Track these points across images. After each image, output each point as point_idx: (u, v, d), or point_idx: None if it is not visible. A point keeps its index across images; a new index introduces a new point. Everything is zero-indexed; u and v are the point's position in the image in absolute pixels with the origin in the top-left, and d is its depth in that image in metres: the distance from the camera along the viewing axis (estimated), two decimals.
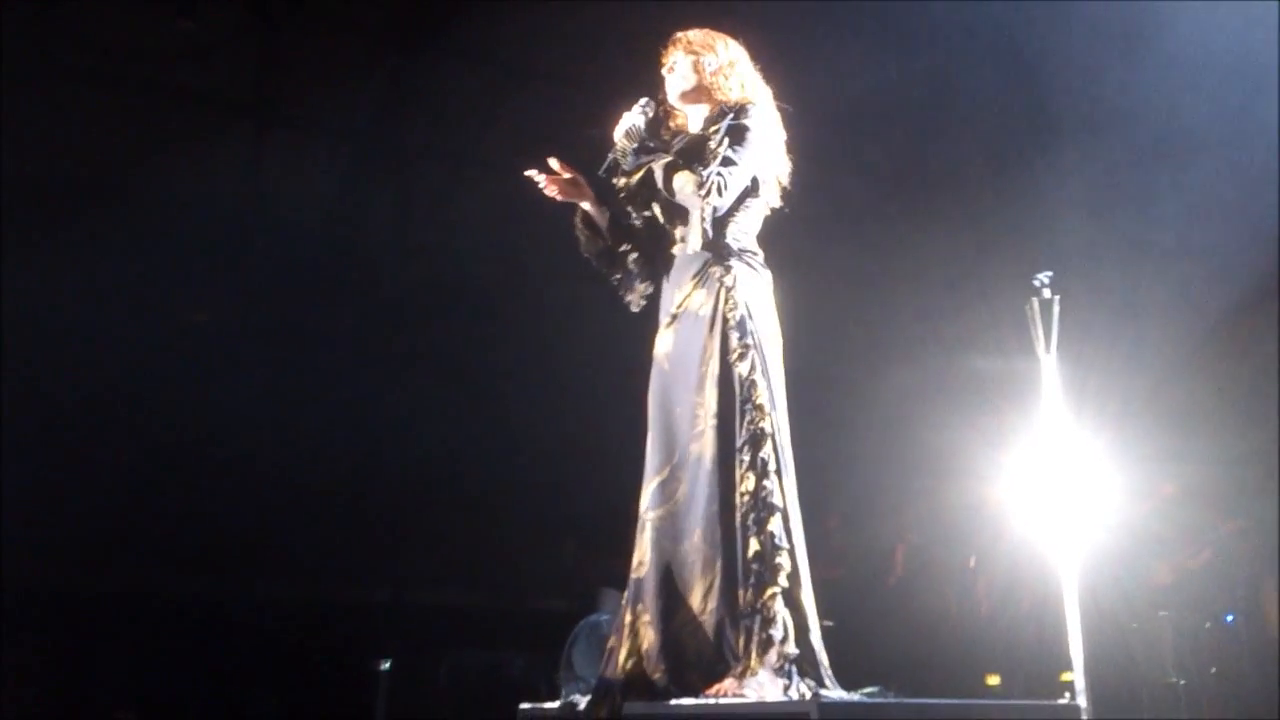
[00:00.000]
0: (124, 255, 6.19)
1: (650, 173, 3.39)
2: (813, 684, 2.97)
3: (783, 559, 3.04)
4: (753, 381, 3.17)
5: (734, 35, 3.56)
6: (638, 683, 3.09)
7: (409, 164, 7.20)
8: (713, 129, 3.35)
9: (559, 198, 3.51)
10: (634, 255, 3.53)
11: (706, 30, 3.54)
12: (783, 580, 3.02)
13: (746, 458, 3.11)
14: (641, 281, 3.53)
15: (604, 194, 3.55)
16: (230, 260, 6.43)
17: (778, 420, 3.19)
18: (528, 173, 3.48)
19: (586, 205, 3.53)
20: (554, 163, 3.47)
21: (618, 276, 3.56)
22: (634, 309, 3.56)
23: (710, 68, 3.45)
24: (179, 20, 6.19)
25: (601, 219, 3.54)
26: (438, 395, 6.98)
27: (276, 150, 6.82)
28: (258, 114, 6.86)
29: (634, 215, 3.49)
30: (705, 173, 3.22)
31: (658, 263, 3.50)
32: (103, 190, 6.25)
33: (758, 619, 2.99)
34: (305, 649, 6.19)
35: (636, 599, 3.21)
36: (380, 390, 6.88)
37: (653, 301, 3.51)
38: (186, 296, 6.47)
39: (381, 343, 6.97)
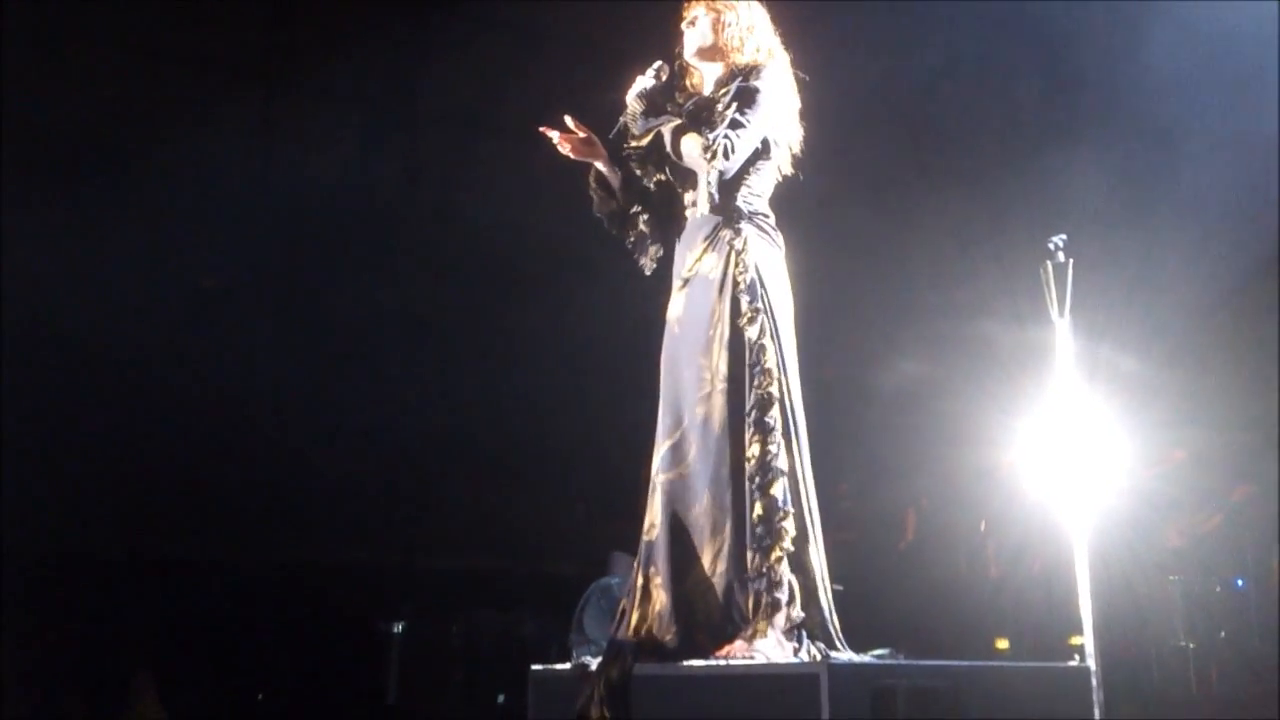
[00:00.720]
0: (133, 221, 6.19)
1: (660, 136, 3.37)
2: (822, 646, 3.00)
3: (787, 523, 3.05)
4: (762, 345, 3.17)
5: None
6: (649, 644, 3.12)
7: (422, 129, 7.17)
8: (722, 91, 3.34)
9: (573, 156, 3.50)
10: (646, 217, 3.53)
11: None
12: (787, 544, 3.04)
13: (754, 422, 3.12)
14: (653, 244, 3.53)
15: (617, 155, 3.54)
16: (242, 227, 6.43)
17: (788, 384, 3.19)
18: (542, 129, 3.47)
19: (600, 165, 3.52)
20: (569, 120, 3.46)
21: (631, 239, 3.56)
22: (646, 271, 3.56)
23: (729, 27, 3.43)
24: None
25: (614, 179, 3.53)
26: (450, 360, 6.99)
27: (287, 116, 6.79)
28: (268, 79, 6.83)
29: (645, 178, 3.48)
30: (712, 136, 3.20)
31: (670, 225, 3.49)
32: (113, 157, 6.24)
33: (764, 582, 3.01)
34: (318, 611, 6.24)
35: (649, 562, 3.23)
36: (393, 355, 6.90)
37: (665, 265, 3.51)
38: (197, 262, 6.48)
39: (394, 308, 6.98)
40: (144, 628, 5.94)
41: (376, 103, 7.12)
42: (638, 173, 3.48)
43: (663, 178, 3.47)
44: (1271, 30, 5.87)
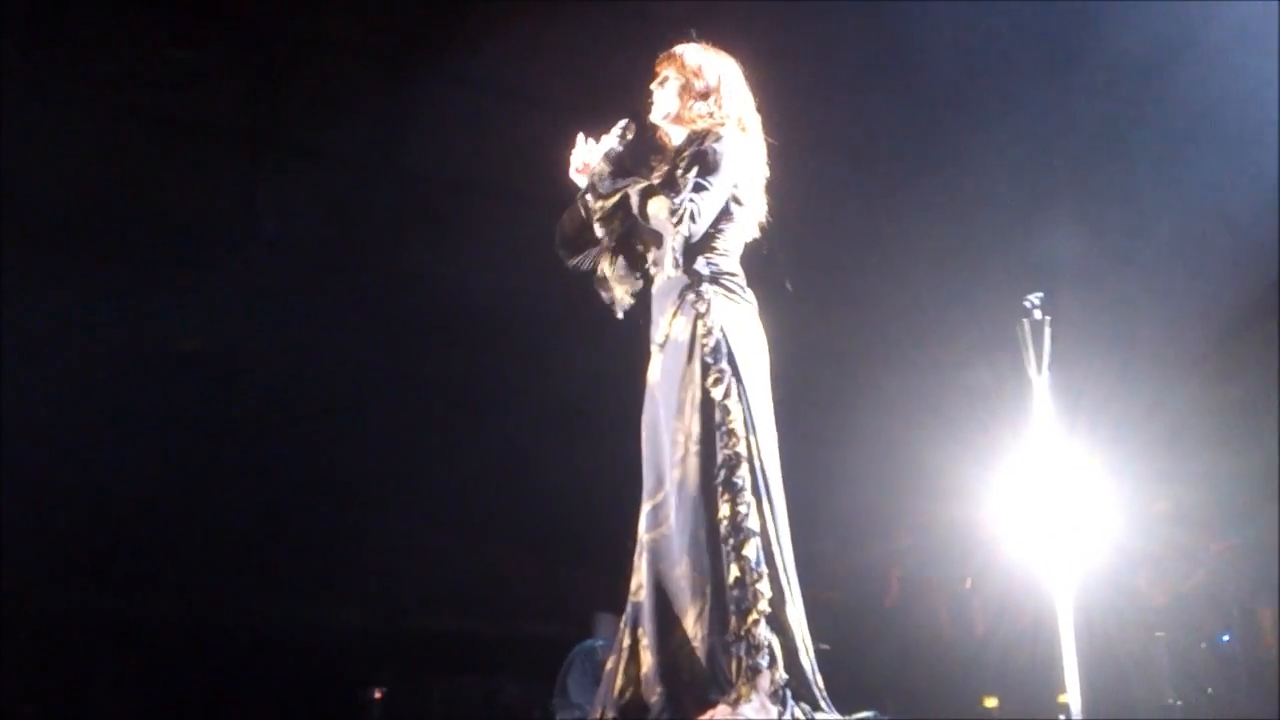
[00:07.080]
0: (118, 283, 6.21)
1: (626, 197, 3.37)
2: (807, 708, 2.97)
3: (762, 584, 3.03)
4: (726, 406, 3.16)
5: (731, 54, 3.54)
6: (634, 707, 3.09)
7: (407, 190, 7.21)
8: (680, 156, 3.35)
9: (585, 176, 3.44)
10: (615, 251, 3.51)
11: (704, 48, 3.52)
12: (764, 605, 3.02)
13: (723, 482, 3.11)
14: (619, 284, 3.51)
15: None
16: (225, 286, 6.45)
17: (757, 443, 3.18)
18: (580, 136, 3.43)
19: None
20: (583, 138, 3.44)
21: (588, 257, 3.51)
22: (619, 312, 3.53)
23: (696, 91, 3.45)
24: (172, 49, 6.22)
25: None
26: (433, 418, 6.97)
27: (272, 177, 6.83)
28: (253, 141, 6.87)
29: (609, 237, 3.44)
30: (677, 200, 3.21)
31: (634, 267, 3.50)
32: (98, 219, 6.26)
33: (744, 645, 2.99)
34: (298, 675, 6.15)
35: (636, 622, 3.20)
36: (375, 412, 6.87)
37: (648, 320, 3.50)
38: (181, 322, 6.47)
39: (379, 366, 6.97)
40: (118, 689, 5.85)
41: (362, 164, 7.15)
42: (601, 232, 3.43)
43: (626, 237, 3.45)
44: (1251, 100, 6.00)
